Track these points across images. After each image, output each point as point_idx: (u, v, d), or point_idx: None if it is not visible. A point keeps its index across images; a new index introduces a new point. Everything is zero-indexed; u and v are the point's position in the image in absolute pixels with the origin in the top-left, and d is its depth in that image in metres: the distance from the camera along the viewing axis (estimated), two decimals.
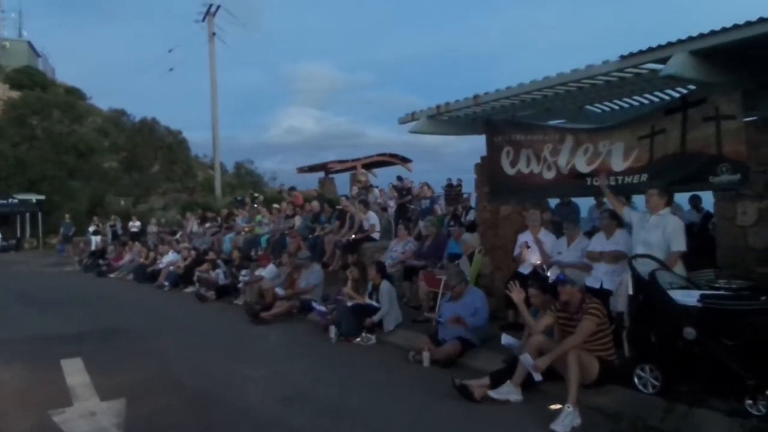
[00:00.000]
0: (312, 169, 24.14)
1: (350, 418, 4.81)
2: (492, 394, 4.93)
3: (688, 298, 4.50)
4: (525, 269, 7.04)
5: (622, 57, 5.04)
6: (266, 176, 36.02)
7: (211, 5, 26.37)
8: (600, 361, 4.84)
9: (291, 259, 10.04)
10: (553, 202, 9.11)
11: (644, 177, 6.09)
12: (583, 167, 6.71)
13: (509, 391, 4.93)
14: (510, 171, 7.54)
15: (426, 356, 6.14)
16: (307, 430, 4.63)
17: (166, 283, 13.42)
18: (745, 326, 4.26)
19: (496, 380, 5.06)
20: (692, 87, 5.55)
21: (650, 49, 4.82)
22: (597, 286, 6.02)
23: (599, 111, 7.10)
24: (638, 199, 6.91)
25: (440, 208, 14.05)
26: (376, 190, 17.53)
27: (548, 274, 6.74)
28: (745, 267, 5.26)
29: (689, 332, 4.42)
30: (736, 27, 4.42)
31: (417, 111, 7.50)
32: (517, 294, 5.33)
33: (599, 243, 6.38)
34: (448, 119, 7.61)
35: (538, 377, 4.81)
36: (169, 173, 31.63)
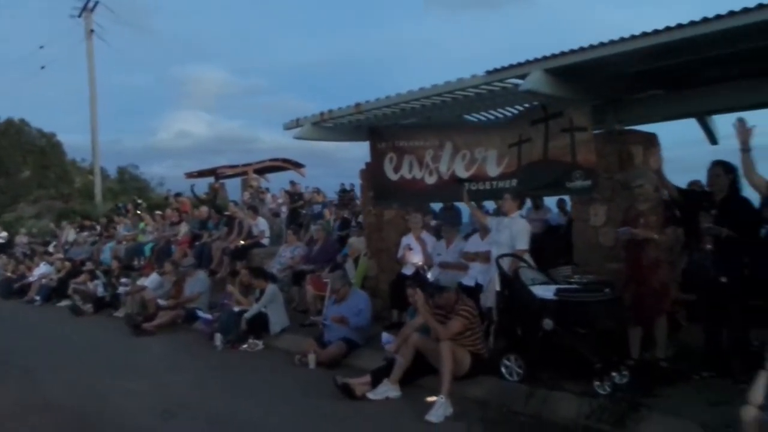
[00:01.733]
0: (201, 174, 23.32)
1: (234, 426, 4.80)
2: (370, 395, 5.11)
3: (547, 292, 4.96)
4: (408, 270, 7.35)
5: (488, 72, 5.46)
6: (153, 182, 34.26)
7: (88, 0, 24.78)
8: (471, 354, 5.19)
9: (175, 268, 9.72)
10: (438, 206, 9.59)
11: (514, 182, 6.61)
12: (462, 173, 7.15)
13: (387, 389, 5.14)
14: (393, 176, 7.84)
15: (312, 358, 6.24)
16: None
17: (38, 298, 12.48)
18: (593, 316, 4.78)
19: (377, 377, 5.26)
20: (553, 101, 6.08)
21: (511, 66, 5.27)
22: (472, 284, 6.44)
23: (476, 120, 7.55)
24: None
25: (332, 213, 14.18)
26: (269, 196, 17.34)
27: (429, 274, 7.09)
28: (597, 263, 5.86)
29: (547, 323, 4.87)
30: (583, 49, 4.95)
31: (302, 117, 7.59)
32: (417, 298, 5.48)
33: (475, 244, 6.82)
34: (333, 126, 7.77)
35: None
36: (42, 179, 29.23)
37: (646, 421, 4.20)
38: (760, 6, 4.16)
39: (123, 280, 10.79)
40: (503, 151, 6.73)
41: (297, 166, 23.10)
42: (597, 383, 4.63)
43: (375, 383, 5.23)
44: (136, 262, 12.74)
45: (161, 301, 9.17)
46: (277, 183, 20.75)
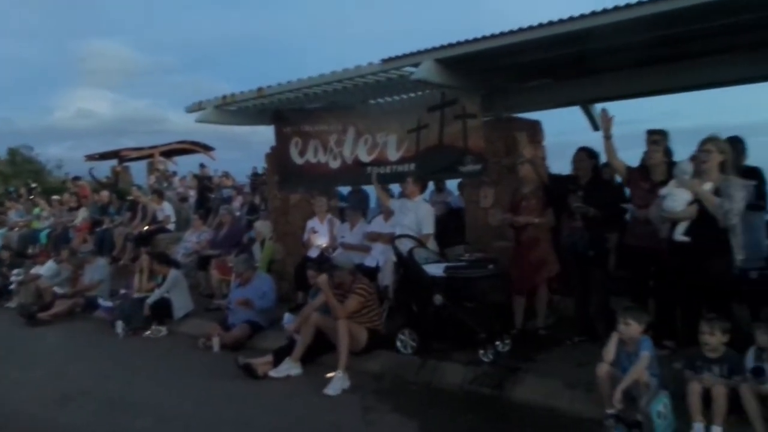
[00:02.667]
0: (103, 156, 22.15)
1: (134, 409, 4.82)
2: (272, 373, 5.28)
3: (437, 270, 5.30)
4: (313, 253, 7.52)
5: (383, 60, 5.67)
6: (50, 164, 32.07)
7: None
8: (369, 331, 5.47)
9: (73, 255, 9.34)
10: (346, 189, 9.77)
11: (413, 166, 6.90)
12: (364, 157, 7.38)
13: (289, 367, 5.33)
14: (299, 161, 7.94)
15: (216, 341, 6.30)
16: (87, 426, 4.54)
17: None
18: (478, 290, 5.18)
19: (279, 356, 5.43)
20: (445, 89, 6.40)
21: (405, 55, 5.52)
22: (374, 264, 6.70)
23: (377, 105, 7.76)
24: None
25: (242, 197, 14.02)
26: (176, 179, 16.84)
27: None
28: (486, 242, 6.30)
29: (438, 298, 5.22)
30: (473, 40, 5.25)
31: (204, 100, 7.50)
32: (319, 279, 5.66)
33: (378, 225, 7.10)
34: (237, 109, 7.73)
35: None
36: None
37: (521, 383, 4.65)
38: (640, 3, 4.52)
39: (15, 270, 10.20)
40: (403, 136, 7.01)
41: (207, 149, 22.44)
42: (481, 352, 5.04)
43: (277, 362, 5.40)
44: (30, 250, 12.08)
45: (58, 290, 8.81)
46: (186, 166, 20.10)
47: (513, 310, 5.77)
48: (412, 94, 7.02)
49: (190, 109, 7.64)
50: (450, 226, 7.52)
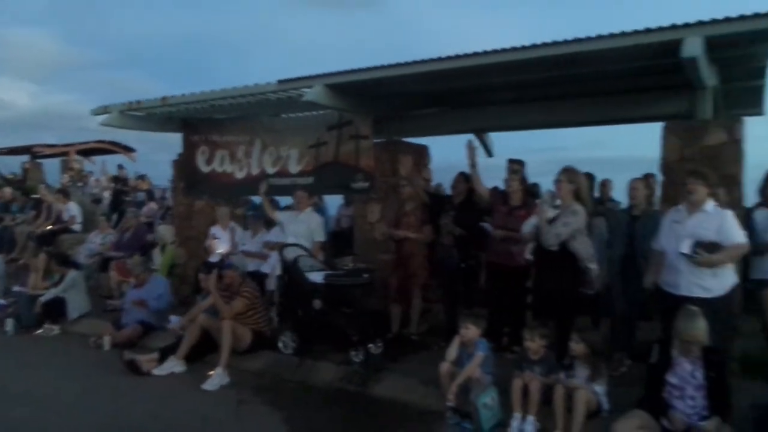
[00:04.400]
0: (13, 151, 21.29)
1: (14, 399, 4.97)
2: (156, 371, 5.56)
3: (317, 277, 5.76)
4: (214, 259, 7.81)
5: (280, 81, 6.13)
6: None
7: None
8: (253, 332, 5.85)
9: None
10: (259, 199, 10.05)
11: (311, 180, 7.38)
12: (270, 169, 7.78)
13: (173, 365, 5.62)
14: (205, 169, 8.25)
15: (107, 340, 6.47)
16: None
17: None
18: (353, 297, 5.68)
19: (164, 354, 5.72)
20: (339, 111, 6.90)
21: (298, 78, 5.99)
22: (269, 270, 7.09)
23: (282, 120, 8.17)
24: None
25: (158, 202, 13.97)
26: (92, 179, 16.54)
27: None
28: (373, 254, 6.83)
29: (317, 303, 5.68)
30: (357, 70, 5.79)
31: (110, 104, 7.66)
32: (208, 281, 5.99)
33: (275, 235, 7.49)
34: (146, 115, 7.95)
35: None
36: None
37: (383, 381, 5.17)
38: (531, 47, 4.97)
39: None
40: (304, 151, 7.47)
41: (127, 149, 22.06)
42: (353, 353, 5.53)
43: (162, 360, 5.68)
44: None
45: None
46: (109, 167, 19.60)
47: (390, 316, 6.31)
48: (315, 113, 7.50)
49: (96, 112, 7.76)
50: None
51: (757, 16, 4.13)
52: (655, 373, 3.98)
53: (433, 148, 7.53)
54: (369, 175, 6.82)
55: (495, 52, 5.12)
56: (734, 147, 4.99)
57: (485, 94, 6.87)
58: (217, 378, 5.28)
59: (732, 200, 4.99)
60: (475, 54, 5.26)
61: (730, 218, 4.32)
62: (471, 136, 6.61)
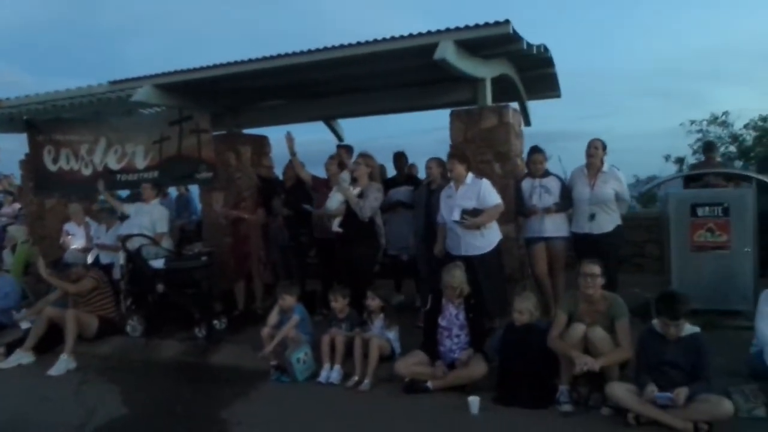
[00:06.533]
0: None
1: None
2: (1, 365, 5.82)
3: (159, 263, 6.25)
4: (69, 255, 7.97)
5: (111, 82, 6.47)
6: None
7: None
8: (100, 318, 6.24)
9: None
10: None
11: (156, 174, 7.75)
12: (114, 165, 8.06)
13: (20, 357, 5.90)
14: (52, 167, 8.36)
15: None
16: None
17: None
18: (192, 278, 6.23)
19: (11, 348, 5.99)
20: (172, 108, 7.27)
21: (128, 79, 6.36)
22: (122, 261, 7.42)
23: (127, 118, 8.39)
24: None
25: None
26: None
27: (89, 257, 7.85)
28: (218, 238, 7.36)
29: (160, 287, 6.17)
30: (183, 71, 6.24)
31: None
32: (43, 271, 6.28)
33: (127, 227, 7.80)
34: None
35: None
36: None
37: (221, 350, 5.81)
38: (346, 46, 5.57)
39: None
40: (149, 147, 7.81)
41: None
42: (197, 329, 6.10)
43: (9, 353, 5.95)
44: None
45: None
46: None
47: (235, 294, 6.92)
48: (158, 109, 7.85)
49: None
50: None
51: (497, 23, 5.08)
52: (429, 318, 4.90)
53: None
54: (212, 165, 7.32)
55: (293, 54, 5.69)
56: (504, 129, 6.01)
57: (323, 86, 7.54)
58: (62, 363, 5.65)
59: (505, 173, 6.04)
60: (294, 54, 5.84)
61: (485, 186, 5.30)
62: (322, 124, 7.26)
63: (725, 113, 13.43)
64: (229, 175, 7.31)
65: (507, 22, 5.01)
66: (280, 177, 7.78)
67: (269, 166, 7.84)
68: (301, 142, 6.48)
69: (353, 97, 7.60)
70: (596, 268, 4.25)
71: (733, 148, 13.16)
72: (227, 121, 7.62)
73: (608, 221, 5.52)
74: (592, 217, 5.49)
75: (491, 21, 5.09)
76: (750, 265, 5.33)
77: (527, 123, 8.25)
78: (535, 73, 7.26)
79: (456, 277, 4.73)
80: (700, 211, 5.43)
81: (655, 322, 3.99)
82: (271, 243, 6.79)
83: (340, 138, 9.97)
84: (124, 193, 8.30)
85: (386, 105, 7.55)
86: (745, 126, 13.24)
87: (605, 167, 5.54)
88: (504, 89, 7.13)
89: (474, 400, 4.16)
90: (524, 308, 4.33)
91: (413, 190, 6.40)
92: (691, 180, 7.40)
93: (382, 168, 6.73)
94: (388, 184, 6.83)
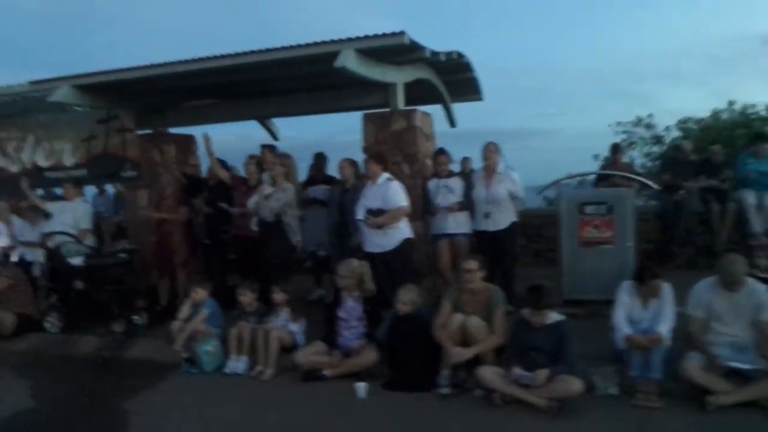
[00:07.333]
0: None
1: None
2: None
3: (78, 260, 6.38)
4: None
5: (31, 82, 6.55)
6: None
7: None
8: (17, 315, 6.33)
9: None
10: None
11: (84, 171, 7.83)
12: (42, 162, 8.09)
13: None
14: None
15: None
16: None
17: None
18: (111, 275, 6.38)
19: None
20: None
21: (47, 80, 6.46)
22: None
23: (59, 115, 8.44)
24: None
25: None
26: None
27: (14, 255, 7.87)
28: (143, 236, 7.48)
29: (78, 284, 6.30)
30: (101, 72, 6.37)
31: None
32: None
33: (50, 225, 7.86)
34: None
35: None
36: None
37: (137, 345, 5.97)
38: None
39: None
40: (77, 145, 7.88)
41: None
42: (115, 324, 6.26)
43: None
44: None
45: None
46: None
47: (159, 291, 7.09)
48: (88, 108, 7.92)
49: None
50: None
51: (393, 34, 5.40)
52: (330, 310, 5.21)
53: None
54: (136, 164, 7.46)
55: (207, 59, 5.91)
56: (412, 132, 6.35)
57: (251, 87, 7.74)
58: None
59: (414, 173, 6.39)
60: (207, 58, 6.05)
61: (393, 188, 5.63)
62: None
63: (650, 115, 14.15)
64: (153, 173, 7.45)
65: (402, 33, 5.33)
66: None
67: (195, 165, 8.01)
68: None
69: (280, 98, 7.84)
70: (473, 264, 4.62)
71: (656, 149, 13.89)
72: (154, 121, 7.75)
73: (503, 219, 5.92)
74: (488, 215, 5.88)
75: (388, 32, 5.41)
76: (631, 259, 5.79)
77: (452, 125, 8.67)
78: (455, 77, 7.63)
79: (345, 272, 5.03)
80: (587, 210, 5.86)
81: (524, 311, 4.39)
82: (194, 240, 6.98)
83: (275, 137, 10.19)
84: (60, 191, 8.32)
85: (309, 107, 7.82)
86: (667, 128, 13.97)
87: (500, 168, 5.94)
88: (425, 93, 7.50)
89: (360, 386, 4.48)
90: (407, 299, 4.67)
91: (329, 189, 6.69)
92: (600, 180, 7.95)
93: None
94: (309, 182, 7.13)
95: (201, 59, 5.94)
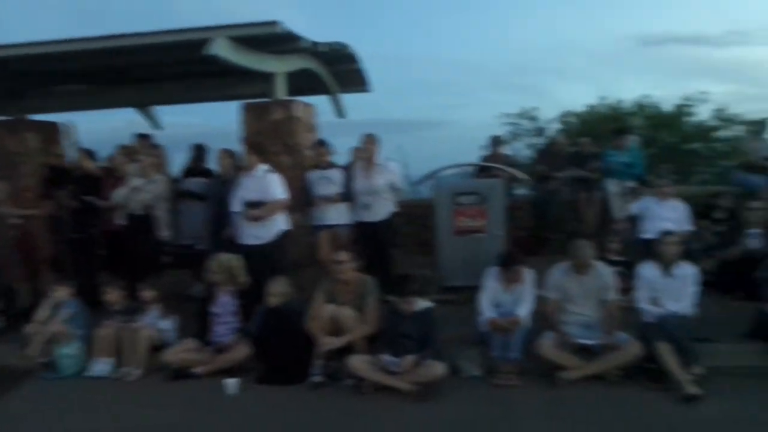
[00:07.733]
0: None
1: None
2: None
3: None
4: None
5: None
6: None
7: None
8: None
9: None
10: None
11: None
12: None
13: None
14: None
15: None
16: None
17: None
18: None
19: None
20: None
21: None
22: None
23: None
24: None
25: None
26: None
27: None
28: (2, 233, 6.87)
29: None
30: None
31: None
32: None
33: None
34: None
35: None
36: None
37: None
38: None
39: None
40: None
41: None
42: None
43: None
44: None
45: None
46: None
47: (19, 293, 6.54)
48: None
49: None
50: None
51: (267, 23, 5.30)
52: (202, 306, 5.05)
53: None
54: None
55: (68, 41, 5.54)
56: (291, 122, 6.27)
57: (126, 73, 7.29)
58: None
59: (294, 164, 6.31)
60: (67, 40, 5.65)
61: (273, 180, 5.52)
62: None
63: (534, 108, 14.90)
64: (12, 163, 6.85)
65: (275, 22, 5.24)
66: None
67: (60, 155, 7.45)
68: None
69: (159, 85, 7.47)
70: (344, 255, 4.65)
71: (539, 140, 14.63)
72: (9, 107, 7.11)
73: (382, 210, 6.00)
74: (367, 206, 5.93)
75: (262, 21, 5.29)
76: (501, 247, 6.07)
77: (341, 115, 8.65)
78: (342, 68, 7.60)
79: (214, 266, 4.92)
80: (461, 200, 6.07)
81: (392, 298, 4.48)
82: (59, 236, 6.50)
83: (156, 125, 9.70)
84: None
85: (190, 95, 7.53)
86: (549, 121, 14.79)
87: (379, 160, 6.01)
88: (313, 83, 7.42)
89: (230, 382, 4.39)
90: (277, 291, 4.63)
91: (206, 182, 6.46)
92: (481, 171, 8.25)
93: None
94: (186, 174, 6.86)
95: (60, 41, 5.53)
